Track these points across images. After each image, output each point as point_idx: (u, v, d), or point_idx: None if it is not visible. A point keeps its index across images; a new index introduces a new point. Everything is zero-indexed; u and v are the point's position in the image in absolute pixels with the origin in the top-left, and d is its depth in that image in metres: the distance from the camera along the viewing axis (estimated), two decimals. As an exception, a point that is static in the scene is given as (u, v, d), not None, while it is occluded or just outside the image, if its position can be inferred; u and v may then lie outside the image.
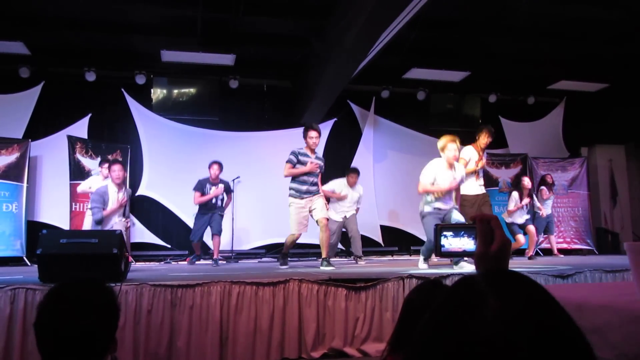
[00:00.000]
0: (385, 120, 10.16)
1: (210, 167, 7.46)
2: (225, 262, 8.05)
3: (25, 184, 7.95)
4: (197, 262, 7.54)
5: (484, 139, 6.29)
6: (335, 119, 9.68)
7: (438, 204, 5.43)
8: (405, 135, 10.15)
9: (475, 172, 6.26)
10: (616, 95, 9.87)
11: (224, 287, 3.98)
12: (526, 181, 8.00)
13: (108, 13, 7.18)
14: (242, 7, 6.82)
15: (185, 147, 8.89)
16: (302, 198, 5.88)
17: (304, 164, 5.89)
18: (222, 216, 7.58)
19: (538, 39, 8.00)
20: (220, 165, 7.47)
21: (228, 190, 7.68)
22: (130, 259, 5.26)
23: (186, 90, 9.38)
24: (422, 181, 5.47)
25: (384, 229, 9.73)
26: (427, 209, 5.46)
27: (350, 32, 6.38)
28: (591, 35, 7.88)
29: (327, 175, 9.48)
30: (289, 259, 6.41)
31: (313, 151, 6.00)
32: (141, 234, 8.73)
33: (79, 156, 8.24)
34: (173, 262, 8.03)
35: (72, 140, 8.23)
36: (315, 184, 6.02)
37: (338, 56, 7.02)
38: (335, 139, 9.72)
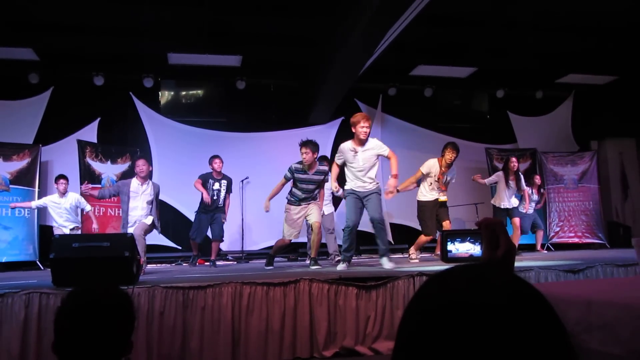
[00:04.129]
0: (393, 118, 10.15)
1: (212, 161, 7.47)
2: (234, 262, 8.11)
3: (36, 189, 8.04)
4: (198, 264, 7.60)
5: (449, 155, 6.45)
6: (342, 118, 9.68)
7: None
8: (413, 133, 10.14)
9: (432, 182, 6.59)
10: (625, 87, 9.79)
11: (235, 287, 4.01)
12: (513, 162, 7.58)
13: (115, 18, 7.23)
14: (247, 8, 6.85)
15: (194, 148, 8.92)
16: (299, 205, 6.00)
17: (299, 181, 5.96)
18: (224, 222, 7.54)
19: (545, 32, 7.95)
20: (221, 159, 7.54)
21: (230, 187, 7.63)
22: (142, 261, 5.29)
23: (194, 92, 9.43)
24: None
25: (394, 227, 9.72)
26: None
27: (356, 30, 6.39)
28: (598, 28, 7.83)
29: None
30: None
31: (311, 166, 5.95)
32: (152, 236, 8.75)
33: (89, 160, 8.31)
34: (184, 264, 8.07)
35: (82, 145, 8.29)
36: (312, 191, 6.06)
37: (344, 55, 7.03)
38: (343, 137, 9.69)
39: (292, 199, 6.03)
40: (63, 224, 7.34)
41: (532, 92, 10.29)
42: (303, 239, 7.95)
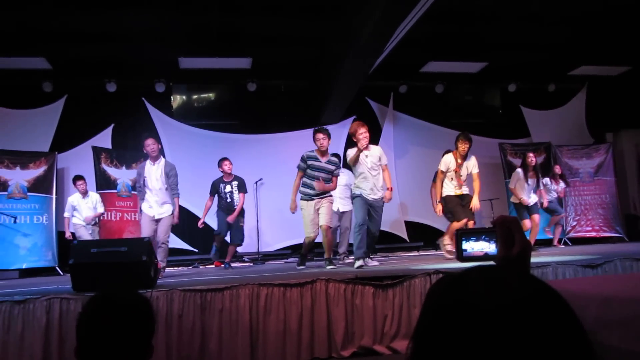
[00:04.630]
0: (405, 115, 10.13)
1: (221, 165, 7.43)
2: (251, 264, 8.14)
3: (54, 196, 8.15)
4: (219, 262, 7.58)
5: (461, 146, 6.34)
6: (354, 117, 9.66)
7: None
8: (425, 130, 10.11)
9: (452, 177, 6.41)
10: (639, 77, 9.67)
11: (252, 289, 4.02)
12: (530, 157, 7.51)
13: (125, 25, 7.31)
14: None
15: (207, 151, 8.96)
16: (312, 200, 5.93)
17: (313, 168, 5.92)
18: (242, 226, 7.46)
19: (555, 25, 7.89)
20: (230, 161, 7.46)
21: (242, 187, 7.49)
22: (160, 265, 5.32)
23: (205, 95, 9.49)
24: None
25: (409, 225, 9.71)
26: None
27: (365, 28, 6.39)
28: (608, 18, 7.74)
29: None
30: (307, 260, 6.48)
31: (324, 154, 5.96)
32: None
33: (104, 166, 8.40)
34: (201, 266, 8.13)
35: (97, 151, 8.39)
36: (325, 181, 5.97)
37: (354, 54, 7.02)
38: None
39: (305, 196, 5.95)
40: (82, 223, 7.55)
41: (545, 86, 10.21)
42: (319, 238, 7.95)
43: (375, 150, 5.90)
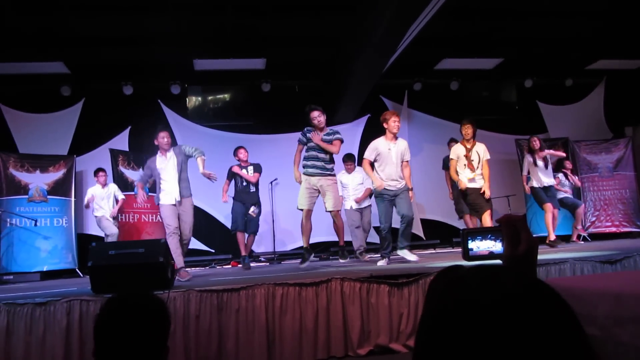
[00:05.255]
0: (420, 113, 10.08)
1: (236, 153, 7.42)
2: (267, 263, 8.17)
3: (73, 199, 8.27)
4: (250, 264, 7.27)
5: (465, 131, 6.34)
6: (369, 115, 9.66)
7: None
8: (440, 127, 10.04)
9: (465, 164, 6.31)
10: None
11: (267, 289, 4.05)
12: (533, 142, 7.58)
13: (141, 28, 7.38)
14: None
15: (223, 152, 9.00)
16: (313, 175, 5.93)
17: (311, 140, 5.99)
18: (255, 215, 7.28)
19: (571, 19, 7.79)
20: (246, 149, 7.48)
21: (258, 169, 7.41)
22: (176, 266, 5.35)
23: (220, 96, 9.55)
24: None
25: (425, 223, 9.67)
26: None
27: (379, 27, 6.38)
28: (625, 11, 7.62)
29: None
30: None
31: (322, 129, 6.05)
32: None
33: (121, 168, 8.51)
34: (217, 267, 8.18)
35: (115, 153, 8.50)
36: (327, 162, 5.99)
37: (367, 52, 7.02)
38: (369, 134, 9.68)
39: (306, 169, 6.01)
40: (105, 214, 7.70)
41: (562, 80, 10.08)
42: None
43: (401, 144, 5.91)
